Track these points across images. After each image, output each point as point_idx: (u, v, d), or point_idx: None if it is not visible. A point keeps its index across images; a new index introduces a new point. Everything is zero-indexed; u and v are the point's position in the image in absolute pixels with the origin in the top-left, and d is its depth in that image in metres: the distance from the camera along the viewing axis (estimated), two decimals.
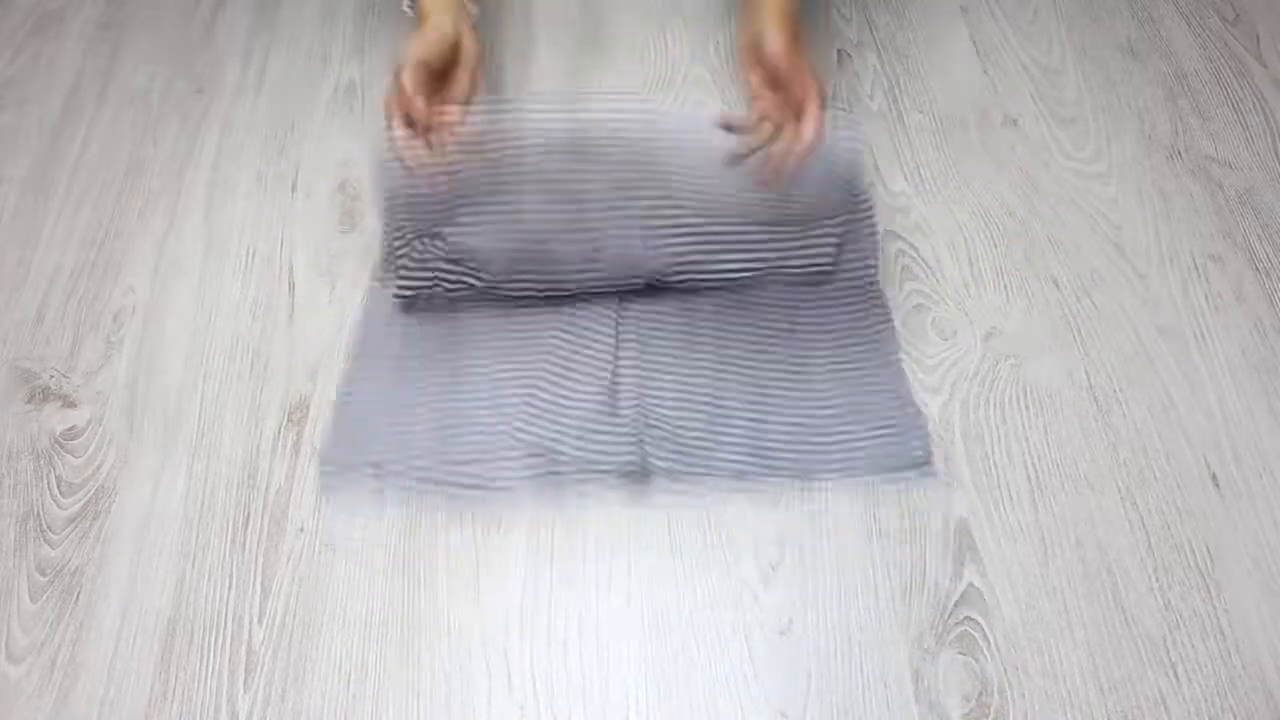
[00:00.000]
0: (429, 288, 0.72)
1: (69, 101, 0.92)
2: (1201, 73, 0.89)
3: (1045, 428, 0.68)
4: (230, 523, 0.66)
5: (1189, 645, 0.60)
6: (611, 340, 0.71)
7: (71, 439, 0.71)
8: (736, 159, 0.70)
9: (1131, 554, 0.63)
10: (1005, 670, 0.59)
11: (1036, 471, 0.67)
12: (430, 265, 0.72)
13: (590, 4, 0.96)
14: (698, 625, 0.62)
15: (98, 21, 0.99)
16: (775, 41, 0.67)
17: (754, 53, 0.70)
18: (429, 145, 0.67)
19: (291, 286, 0.78)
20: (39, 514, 0.67)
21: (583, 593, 0.63)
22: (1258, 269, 0.76)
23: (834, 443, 0.67)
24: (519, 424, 0.67)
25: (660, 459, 0.66)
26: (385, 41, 0.95)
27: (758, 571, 0.63)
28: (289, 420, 0.71)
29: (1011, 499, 0.65)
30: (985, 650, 0.60)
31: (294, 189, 0.84)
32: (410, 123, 0.66)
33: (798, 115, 0.66)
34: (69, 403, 0.72)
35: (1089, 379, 0.71)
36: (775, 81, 0.69)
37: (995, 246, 0.78)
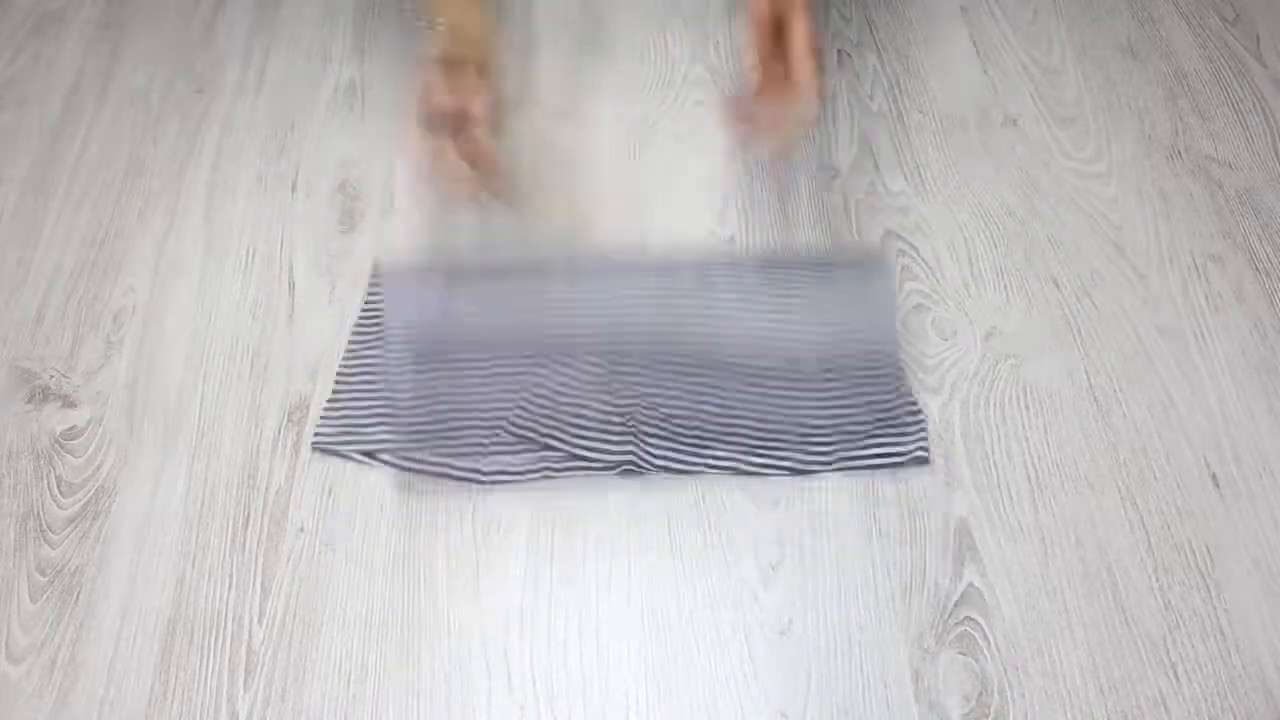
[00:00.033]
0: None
1: (69, 101, 0.92)
2: (1201, 73, 0.89)
3: (1045, 428, 0.68)
4: (230, 523, 0.66)
5: (1189, 645, 0.60)
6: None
7: (71, 439, 0.71)
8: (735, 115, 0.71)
9: (1131, 554, 0.63)
10: (1005, 670, 0.59)
11: (1036, 471, 0.67)
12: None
13: (590, 4, 0.96)
14: (698, 625, 0.62)
15: (98, 21, 0.99)
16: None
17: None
18: (455, 153, 0.67)
19: (291, 286, 0.78)
20: (39, 514, 0.67)
21: (583, 593, 0.63)
22: (1258, 269, 0.76)
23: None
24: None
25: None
26: (385, 41, 0.95)
27: (758, 571, 0.63)
28: (289, 420, 0.71)
29: (1011, 499, 0.65)
30: (985, 650, 0.60)
31: (294, 189, 0.84)
32: (435, 125, 0.66)
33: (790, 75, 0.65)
34: (69, 403, 0.72)
35: (1089, 379, 0.71)
36: (777, 34, 0.67)
37: (995, 246, 0.78)
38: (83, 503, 0.67)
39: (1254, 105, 0.86)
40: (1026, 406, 0.69)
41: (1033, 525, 0.64)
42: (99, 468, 0.69)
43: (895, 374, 0.70)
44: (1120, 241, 0.78)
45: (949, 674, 0.59)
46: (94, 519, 0.67)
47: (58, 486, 0.68)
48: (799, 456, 0.66)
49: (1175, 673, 0.59)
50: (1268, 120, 0.85)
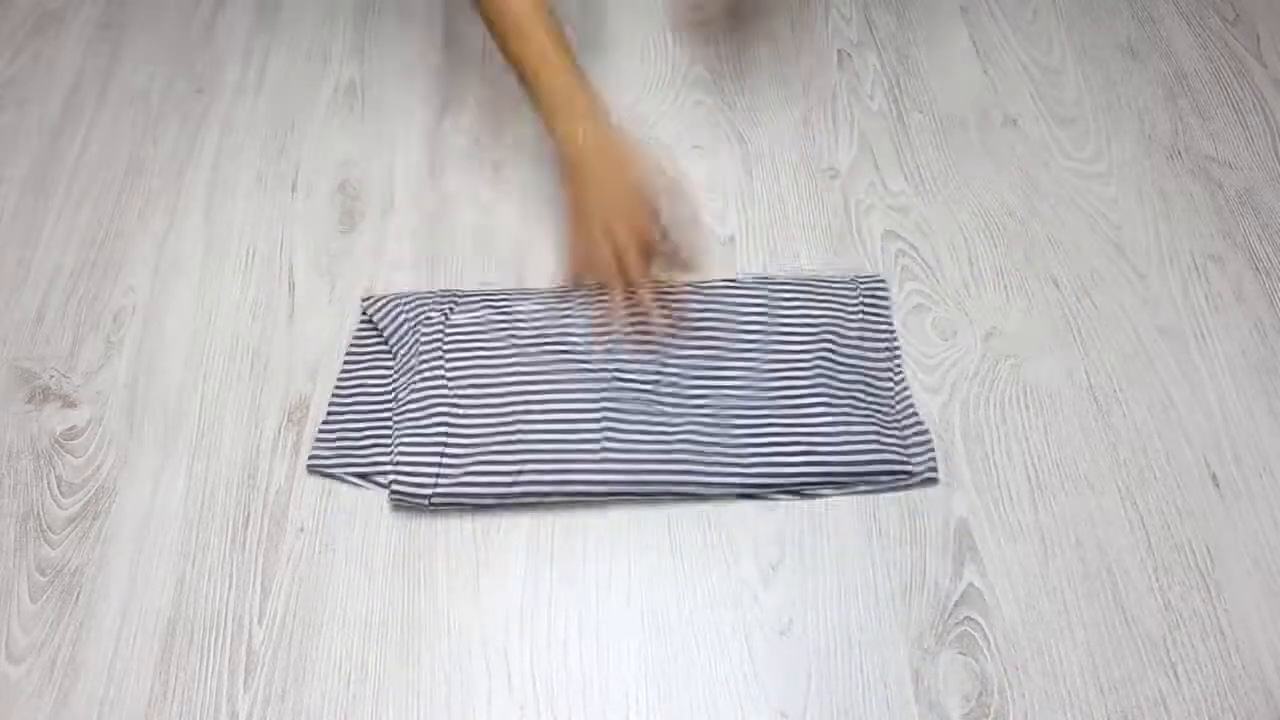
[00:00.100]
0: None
1: (69, 101, 0.92)
2: (1201, 73, 0.89)
3: (1045, 428, 0.68)
4: (230, 523, 0.66)
5: (1189, 645, 0.59)
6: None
7: (71, 439, 0.71)
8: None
9: (1131, 554, 0.63)
10: (1005, 670, 0.59)
11: (1036, 471, 0.67)
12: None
13: (590, 4, 0.96)
14: (698, 625, 0.62)
15: (98, 21, 0.99)
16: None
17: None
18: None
19: (291, 286, 0.78)
20: (39, 514, 0.67)
21: (583, 593, 0.63)
22: (1258, 269, 0.76)
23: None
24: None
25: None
26: (385, 41, 0.95)
27: (758, 571, 0.63)
28: (289, 420, 0.71)
29: (1011, 499, 0.65)
30: (985, 650, 0.60)
31: (294, 189, 0.84)
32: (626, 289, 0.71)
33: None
34: (69, 403, 0.72)
35: (1089, 379, 0.71)
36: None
37: (995, 246, 0.78)
38: (83, 503, 0.67)
39: (1254, 105, 0.86)
40: (1026, 406, 0.69)
41: (1033, 525, 0.64)
42: (99, 468, 0.69)
43: (899, 393, 0.70)
44: (1120, 241, 0.78)
45: (949, 674, 0.59)
46: (94, 519, 0.67)
47: (58, 486, 0.68)
48: (806, 481, 0.65)
49: (1175, 673, 0.59)
50: (1268, 120, 0.85)
